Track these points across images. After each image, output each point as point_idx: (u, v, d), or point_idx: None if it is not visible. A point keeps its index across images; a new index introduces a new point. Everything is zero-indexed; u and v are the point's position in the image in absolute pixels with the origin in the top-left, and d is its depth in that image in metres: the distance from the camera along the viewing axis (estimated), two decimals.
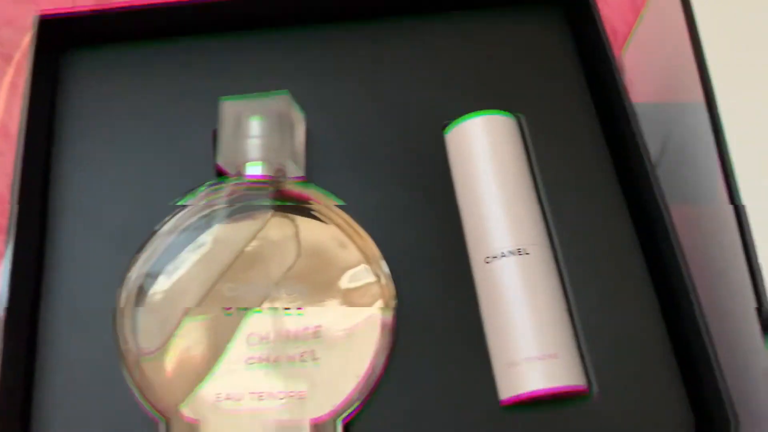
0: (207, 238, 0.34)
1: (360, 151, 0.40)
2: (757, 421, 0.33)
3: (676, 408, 0.34)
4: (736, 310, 0.34)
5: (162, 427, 0.32)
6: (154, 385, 0.32)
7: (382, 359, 0.34)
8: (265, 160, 0.35)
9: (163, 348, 0.33)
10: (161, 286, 0.33)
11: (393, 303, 0.34)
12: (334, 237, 0.35)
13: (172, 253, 0.34)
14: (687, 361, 0.34)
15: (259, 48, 0.42)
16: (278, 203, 0.35)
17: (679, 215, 0.40)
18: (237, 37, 0.43)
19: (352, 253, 0.35)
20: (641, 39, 0.47)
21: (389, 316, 0.34)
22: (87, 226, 0.38)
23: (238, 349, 0.33)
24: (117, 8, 0.40)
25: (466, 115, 0.38)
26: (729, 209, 0.34)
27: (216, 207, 0.35)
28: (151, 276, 0.34)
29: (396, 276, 0.36)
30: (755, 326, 0.32)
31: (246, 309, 0.33)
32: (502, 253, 0.35)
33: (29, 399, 0.34)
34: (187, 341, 0.33)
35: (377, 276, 0.35)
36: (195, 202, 0.35)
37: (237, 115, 0.36)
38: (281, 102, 0.37)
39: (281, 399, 0.32)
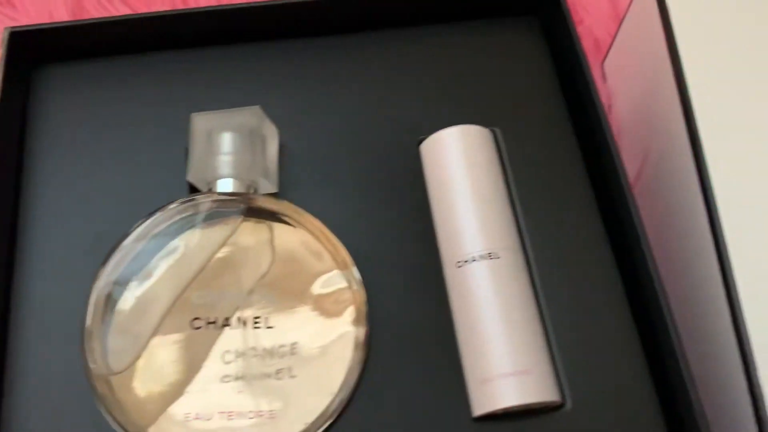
0: (176, 245, 0.34)
1: (334, 164, 0.39)
2: None
3: (648, 420, 0.33)
4: (709, 321, 0.34)
5: None
6: (125, 404, 0.32)
7: (356, 375, 0.33)
8: (236, 175, 0.35)
9: (133, 365, 0.32)
10: (129, 296, 0.33)
11: (364, 309, 0.34)
12: (306, 243, 0.35)
13: (139, 261, 0.34)
14: (660, 372, 0.34)
15: (233, 62, 0.42)
16: (247, 215, 0.35)
17: (655, 224, 0.40)
18: (210, 50, 0.42)
19: (324, 259, 0.35)
20: (621, 47, 0.47)
21: (363, 331, 0.34)
22: (57, 240, 0.37)
23: (213, 366, 0.32)
24: (88, 22, 0.40)
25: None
26: (704, 219, 0.34)
27: (185, 216, 0.35)
28: (119, 285, 0.33)
29: (369, 284, 0.36)
30: (729, 339, 0.32)
31: (214, 323, 0.33)
32: (473, 257, 0.34)
33: None
34: (160, 358, 0.32)
35: (349, 282, 0.35)
36: (163, 218, 0.35)
37: (208, 130, 0.36)
38: (253, 116, 0.36)
39: (251, 419, 0.32)
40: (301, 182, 0.39)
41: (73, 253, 0.37)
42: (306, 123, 0.40)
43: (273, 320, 0.33)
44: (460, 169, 0.37)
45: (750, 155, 0.35)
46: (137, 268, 0.33)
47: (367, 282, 0.35)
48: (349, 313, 0.34)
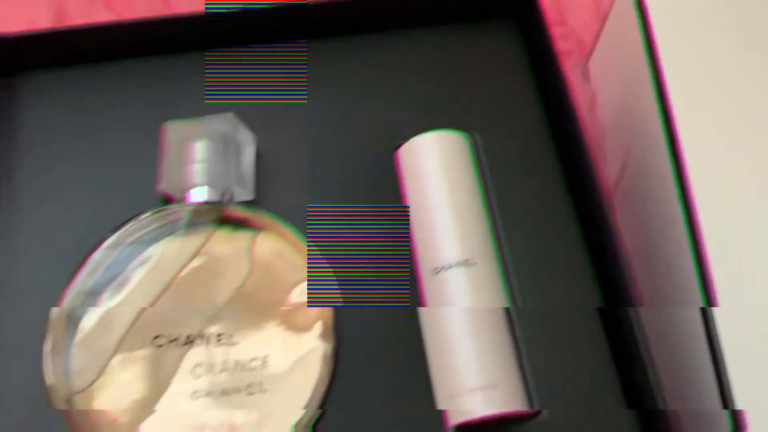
0: (147, 256, 0.33)
1: (311, 171, 0.39)
2: None
3: (619, 430, 0.33)
4: (685, 325, 0.34)
5: None
6: (90, 423, 0.31)
7: (325, 388, 0.33)
8: (210, 184, 0.35)
9: (97, 382, 0.32)
10: (94, 310, 0.32)
11: (333, 321, 0.34)
12: (280, 253, 0.35)
13: (108, 274, 0.33)
14: (631, 382, 0.33)
15: (212, 67, 0.42)
16: (222, 226, 0.34)
17: (635, 224, 0.40)
18: (189, 56, 0.42)
19: (299, 269, 0.34)
20: (604, 48, 0.47)
21: (331, 344, 0.34)
22: (34, 246, 0.37)
23: (182, 382, 0.32)
24: (67, 30, 0.40)
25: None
26: (681, 220, 0.33)
27: (156, 226, 0.34)
28: (85, 299, 0.33)
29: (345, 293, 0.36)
30: (702, 351, 0.32)
31: (176, 340, 0.32)
32: (450, 263, 0.34)
33: None
34: (123, 376, 0.32)
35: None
36: (136, 227, 0.34)
37: (181, 138, 0.36)
38: (226, 123, 0.36)
39: None
40: (277, 189, 0.38)
41: (47, 261, 0.37)
42: (283, 129, 0.40)
43: (239, 336, 0.33)
44: (437, 175, 0.37)
45: (729, 155, 0.34)
46: (105, 281, 0.33)
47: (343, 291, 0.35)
48: (318, 326, 0.34)
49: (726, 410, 0.30)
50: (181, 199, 0.35)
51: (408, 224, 0.37)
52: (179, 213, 0.35)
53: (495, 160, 0.39)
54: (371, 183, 0.39)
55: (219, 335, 0.33)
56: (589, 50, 0.50)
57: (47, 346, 0.32)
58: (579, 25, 0.53)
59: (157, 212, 0.34)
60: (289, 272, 0.34)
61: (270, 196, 0.38)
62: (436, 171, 0.37)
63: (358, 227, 0.38)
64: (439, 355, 0.33)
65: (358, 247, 0.37)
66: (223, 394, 0.32)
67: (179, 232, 0.34)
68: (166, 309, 0.33)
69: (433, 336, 0.34)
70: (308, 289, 0.34)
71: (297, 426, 0.32)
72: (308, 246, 0.35)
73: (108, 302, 0.33)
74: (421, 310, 0.35)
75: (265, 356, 0.33)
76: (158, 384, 0.32)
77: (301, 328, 0.33)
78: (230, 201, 0.36)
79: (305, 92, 0.41)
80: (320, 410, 0.33)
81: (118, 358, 0.32)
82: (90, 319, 0.32)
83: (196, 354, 0.32)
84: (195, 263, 0.34)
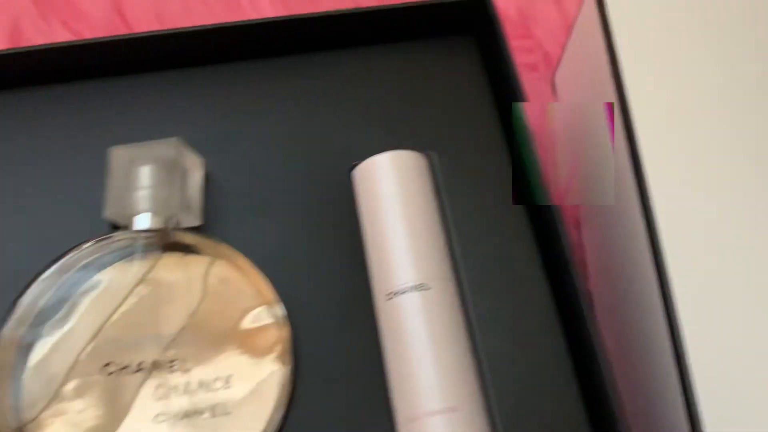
0: (91, 285, 0.33)
1: (262, 194, 0.38)
2: None
3: None
4: (641, 347, 0.33)
5: None
6: None
7: (282, 413, 0.33)
8: (155, 210, 0.34)
9: (48, 411, 0.31)
10: (41, 340, 0.32)
11: (291, 345, 0.34)
12: (228, 279, 0.34)
13: (52, 303, 0.33)
14: (594, 406, 0.33)
15: (159, 89, 0.41)
16: (169, 252, 0.34)
17: (598, 244, 0.39)
18: (137, 78, 0.41)
19: (248, 295, 0.34)
20: (570, 60, 0.46)
21: (289, 368, 0.33)
22: None
23: (143, 406, 0.32)
24: (7, 52, 0.39)
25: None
26: (644, 236, 0.33)
27: (100, 255, 0.34)
28: (30, 328, 0.32)
29: (299, 318, 0.35)
30: (667, 367, 0.31)
31: (127, 368, 0.32)
32: (403, 288, 0.34)
33: None
34: (77, 404, 0.32)
35: (274, 318, 0.34)
36: (81, 254, 0.34)
37: (126, 164, 0.35)
38: (171, 148, 0.35)
39: None
40: (227, 213, 0.38)
41: None
42: (233, 151, 0.39)
43: (192, 362, 0.33)
44: (392, 196, 0.36)
45: (689, 167, 0.34)
46: (51, 310, 0.33)
47: (297, 316, 0.35)
48: (276, 350, 0.33)
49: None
50: (127, 226, 0.34)
51: (363, 247, 0.37)
52: (124, 240, 0.34)
53: (453, 180, 0.38)
54: (325, 205, 0.38)
55: (171, 362, 0.32)
56: (556, 63, 0.49)
57: None
58: (546, 38, 0.53)
59: (101, 239, 0.34)
60: (239, 298, 0.34)
61: (220, 220, 0.37)
62: (392, 192, 0.36)
63: (313, 250, 0.37)
64: (397, 379, 0.33)
65: (314, 270, 0.36)
66: (185, 416, 0.32)
67: (125, 259, 0.34)
68: (115, 336, 0.32)
69: (391, 359, 0.33)
70: (264, 312, 0.34)
71: None
72: (259, 270, 0.35)
73: (55, 330, 0.32)
74: (382, 331, 0.34)
75: (227, 378, 0.33)
76: (117, 410, 0.32)
77: (259, 353, 0.33)
78: (176, 227, 0.35)
79: (258, 113, 0.40)
80: None
81: (70, 386, 0.32)
82: (38, 347, 0.32)
83: (155, 378, 0.32)
84: (143, 290, 0.33)
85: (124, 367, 0.32)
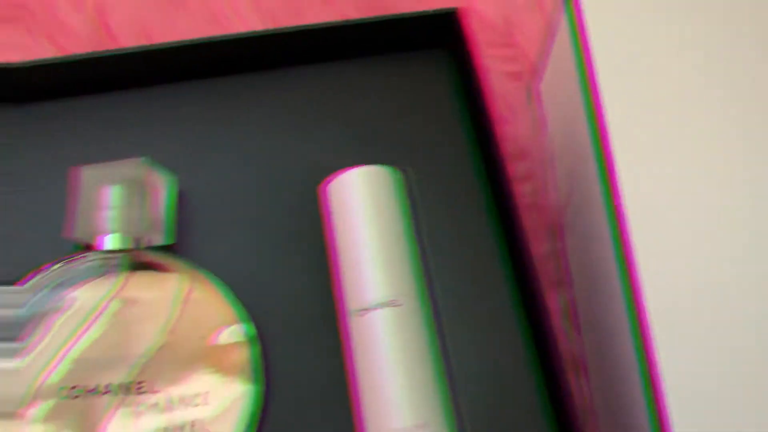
0: (56, 307, 0.33)
1: (232, 211, 0.38)
2: None
3: None
4: (612, 362, 0.33)
5: None
6: None
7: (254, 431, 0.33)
8: (122, 230, 0.34)
9: None
10: (3, 364, 0.32)
11: (260, 364, 0.34)
12: (197, 300, 0.34)
13: (16, 325, 0.33)
14: (565, 421, 0.32)
15: (128, 107, 0.41)
16: (136, 272, 0.34)
17: (579, 253, 0.39)
18: (105, 97, 0.41)
19: (216, 314, 0.34)
20: (554, 69, 0.46)
21: (259, 387, 0.33)
22: None
23: (117, 426, 0.32)
24: None
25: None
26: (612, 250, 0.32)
27: (67, 278, 0.34)
28: None
29: (269, 336, 0.35)
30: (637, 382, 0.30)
31: (94, 390, 0.32)
32: (374, 305, 0.34)
33: None
34: (46, 427, 0.31)
35: (245, 337, 0.34)
36: (47, 276, 0.34)
37: (93, 184, 0.35)
38: (138, 167, 0.35)
39: None
40: (199, 231, 0.37)
41: None
42: (203, 169, 0.39)
43: (161, 383, 0.33)
44: (363, 212, 0.36)
45: (665, 176, 0.33)
46: (13, 333, 0.33)
47: (267, 334, 0.35)
48: (246, 369, 0.33)
49: None
50: (94, 246, 0.34)
51: (333, 263, 0.36)
52: (94, 260, 0.34)
53: (426, 196, 0.38)
54: (298, 221, 0.38)
55: (140, 383, 0.32)
56: (534, 71, 0.49)
57: None
58: (530, 46, 0.52)
59: (69, 260, 0.34)
60: (209, 317, 0.34)
61: (192, 238, 0.37)
62: (362, 208, 0.36)
63: (285, 267, 0.37)
64: (368, 395, 0.33)
65: (285, 288, 0.36)
66: None
67: (94, 280, 0.34)
68: (82, 357, 0.33)
69: (362, 376, 0.33)
70: (234, 331, 0.34)
71: None
72: (230, 288, 0.35)
73: (21, 351, 0.32)
74: (354, 348, 0.34)
75: (194, 397, 0.32)
76: (90, 429, 0.32)
77: (229, 372, 0.33)
78: (143, 247, 0.35)
79: (230, 129, 0.40)
80: None
81: (35, 409, 0.32)
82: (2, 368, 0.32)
83: (123, 400, 0.32)
84: (110, 311, 0.33)
85: (91, 390, 0.32)
